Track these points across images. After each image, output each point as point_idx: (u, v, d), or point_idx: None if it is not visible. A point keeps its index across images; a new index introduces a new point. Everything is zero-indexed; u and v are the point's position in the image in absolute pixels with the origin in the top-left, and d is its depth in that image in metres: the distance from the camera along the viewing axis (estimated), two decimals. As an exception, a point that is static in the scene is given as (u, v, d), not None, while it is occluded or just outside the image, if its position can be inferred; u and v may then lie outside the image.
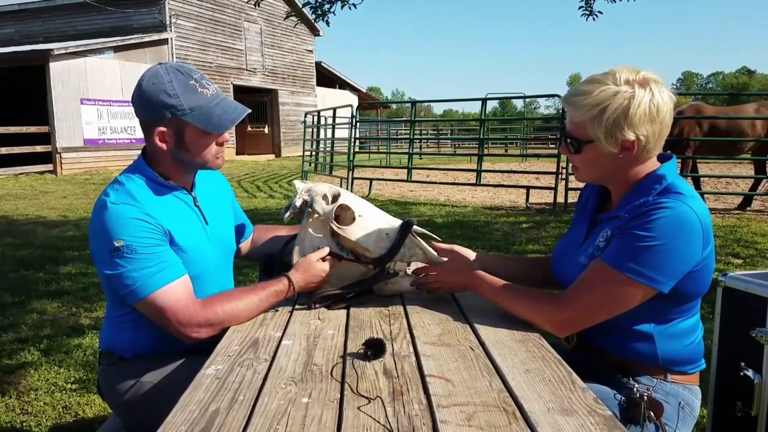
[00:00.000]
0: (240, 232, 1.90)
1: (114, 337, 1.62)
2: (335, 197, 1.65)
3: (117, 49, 16.48)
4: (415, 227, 1.64)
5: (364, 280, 1.64)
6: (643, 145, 1.35)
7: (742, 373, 1.78)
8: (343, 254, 1.64)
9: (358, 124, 11.87)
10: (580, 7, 6.88)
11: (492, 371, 1.18)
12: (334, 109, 13.10)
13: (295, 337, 1.37)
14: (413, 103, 11.35)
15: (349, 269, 1.65)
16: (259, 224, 2.06)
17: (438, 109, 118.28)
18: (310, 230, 1.64)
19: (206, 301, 1.47)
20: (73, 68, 15.16)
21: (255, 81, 22.48)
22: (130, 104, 1.56)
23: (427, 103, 59.11)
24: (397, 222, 1.68)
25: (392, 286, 1.66)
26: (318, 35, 25.89)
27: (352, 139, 11.12)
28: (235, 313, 1.47)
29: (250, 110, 1.61)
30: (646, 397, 1.36)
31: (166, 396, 1.33)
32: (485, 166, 10.64)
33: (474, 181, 10.13)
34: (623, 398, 1.38)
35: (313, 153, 14.77)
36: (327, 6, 6.46)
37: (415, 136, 16.01)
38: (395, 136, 23.26)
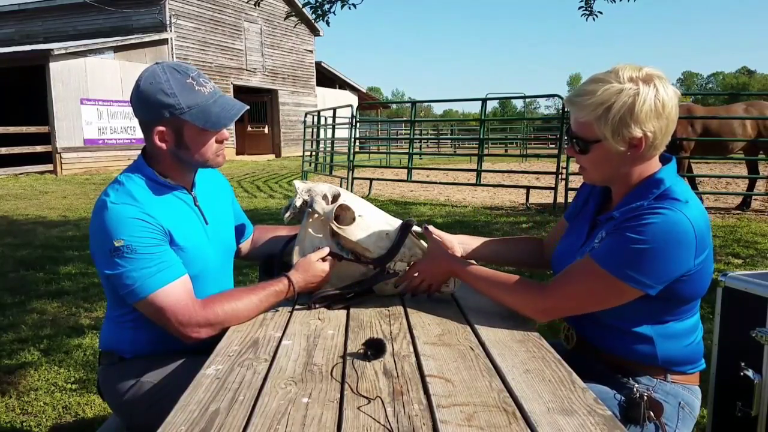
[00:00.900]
0: (240, 232, 1.90)
1: (114, 337, 1.62)
2: (335, 197, 1.65)
3: (117, 49, 16.48)
4: (415, 227, 1.64)
5: (364, 280, 1.64)
6: (651, 142, 1.34)
7: (742, 373, 1.78)
8: (343, 254, 1.64)
9: (358, 124, 11.87)
10: (580, 7, 6.89)
11: (492, 371, 1.18)
12: (334, 109, 13.10)
13: (295, 337, 1.37)
14: (413, 103, 11.35)
15: (349, 269, 1.65)
16: (259, 224, 2.06)
17: (438, 109, 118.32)
18: (310, 230, 1.64)
19: (206, 301, 1.47)
20: (73, 68, 15.16)
21: (255, 81, 22.49)
22: (130, 104, 1.56)
23: (427, 103, 59.14)
24: (397, 222, 1.68)
25: (392, 287, 1.66)
26: (318, 35, 25.89)
27: (352, 139, 11.13)
28: (235, 313, 1.47)
29: (248, 107, 1.61)
30: (646, 397, 1.36)
31: (166, 396, 1.33)
32: (485, 166, 10.64)
33: (474, 181, 10.13)
34: (623, 398, 1.38)
35: (313, 153, 14.77)
36: (327, 6, 6.46)
37: (415, 136, 16.01)
38: (395, 136, 23.26)
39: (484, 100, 10.00)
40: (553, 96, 10.02)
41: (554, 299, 1.40)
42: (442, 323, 1.47)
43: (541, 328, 1.60)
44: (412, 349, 1.30)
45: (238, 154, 22.15)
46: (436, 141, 28.17)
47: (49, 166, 14.73)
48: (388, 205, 8.72)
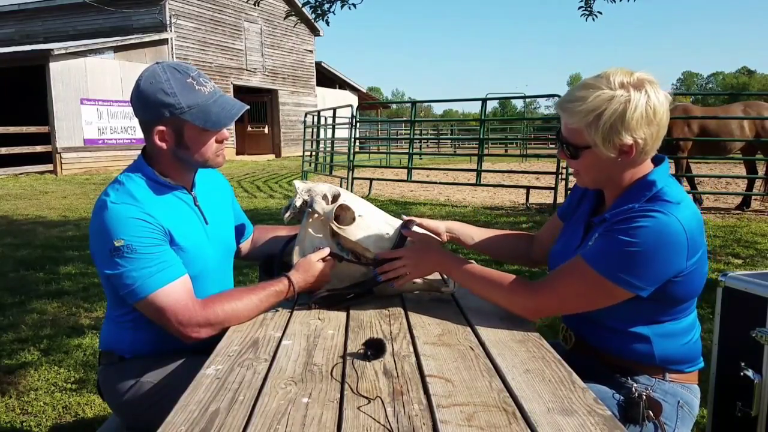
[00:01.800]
0: (240, 232, 1.90)
1: (114, 337, 1.62)
2: (335, 197, 1.65)
3: (117, 49, 16.48)
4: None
5: (364, 280, 1.64)
6: (642, 148, 1.34)
7: (742, 373, 1.78)
8: (343, 254, 1.64)
9: (358, 124, 11.86)
10: (579, 7, 6.89)
11: (492, 371, 1.18)
12: (334, 109, 13.10)
13: (295, 337, 1.37)
14: (413, 103, 11.34)
15: (349, 269, 1.65)
16: (259, 224, 2.06)
17: (438, 109, 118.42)
18: (310, 230, 1.64)
19: (206, 301, 1.47)
20: (73, 68, 15.16)
21: (255, 81, 22.48)
22: (130, 104, 1.56)
23: (427, 103, 59.09)
24: (397, 222, 1.68)
25: (392, 287, 1.66)
26: (318, 35, 25.89)
27: (352, 139, 11.12)
28: (235, 313, 1.47)
29: (248, 107, 1.61)
30: (644, 397, 1.36)
31: (166, 396, 1.33)
32: (485, 166, 10.64)
33: (474, 181, 10.13)
34: (622, 398, 1.38)
35: (313, 153, 14.77)
36: (327, 6, 6.47)
37: (415, 136, 16.00)
38: (395, 136, 23.27)
39: (484, 100, 10.00)
40: (553, 96, 9.98)
41: (543, 298, 1.40)
42: (442, 323, 1.47)
43: (541, 328, 1.60)
44: (412, 349, 1.30)
45: (238, 154, 22.15)
46: (436, 141, 28.17)
47: (49, 166, 14.73)
48: (388, 205, 8.73)
